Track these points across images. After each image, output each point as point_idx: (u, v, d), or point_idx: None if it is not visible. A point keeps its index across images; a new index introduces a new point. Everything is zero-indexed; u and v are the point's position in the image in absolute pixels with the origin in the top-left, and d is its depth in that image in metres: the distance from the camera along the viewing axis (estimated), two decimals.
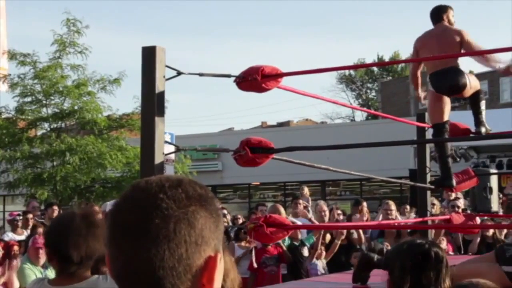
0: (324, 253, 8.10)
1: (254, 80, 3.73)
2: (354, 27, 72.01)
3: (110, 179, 16.51)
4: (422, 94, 6.13)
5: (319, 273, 7.66)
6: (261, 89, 3.81)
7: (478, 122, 5.93)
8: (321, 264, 7.92)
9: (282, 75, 3.86)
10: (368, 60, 44.32)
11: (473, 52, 5.72)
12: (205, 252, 1.15)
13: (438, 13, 5.94)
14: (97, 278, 2.52)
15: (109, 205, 8.76)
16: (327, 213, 8.85)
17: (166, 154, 3.87)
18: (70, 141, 15.49)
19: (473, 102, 5.96)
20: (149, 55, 3.69)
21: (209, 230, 1.16)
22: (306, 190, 11.37)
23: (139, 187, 1.20)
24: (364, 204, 9.68)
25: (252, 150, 3.76)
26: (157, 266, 1.11)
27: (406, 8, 67.27)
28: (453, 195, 9.25)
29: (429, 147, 6.34)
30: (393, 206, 8.50)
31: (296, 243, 7.83)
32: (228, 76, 3.88)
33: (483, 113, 5.95)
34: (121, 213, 1.17)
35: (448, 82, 5.70)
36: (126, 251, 1.13)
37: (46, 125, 16.68)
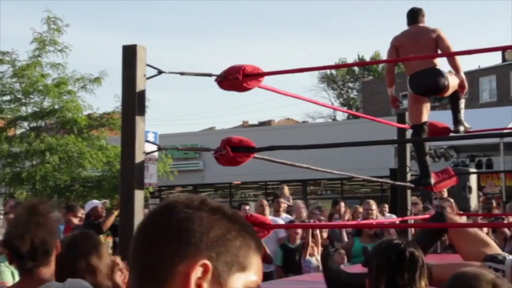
0: (317, 250, 8.11)
1: (235, 79, 3.72)
2: (335, 27, 72.24)
3: (90, 179, 16.41)
4: (394, 92, 6.21)
5: (311, 270, 7.66)
6: (242, 89, 3.81)
7: (457, 121, 6.00)
8: (315, 261, 7.91)
9: (263, 74, 3.86)
10: (349, 60, 44.50)
11: (450, 53, 5.78)
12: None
13: (417, 15, 6.03)
14: (51, 284, 2.31)
15: (89, 204, 8.70)
16: (304, 211, 8.86)
17: (147, 153, 3.86)
18: (49, 140, 15.36)
19: (453, 101, 6.03)
20: (129, 53, 3.67)
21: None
22: (286, 189, 11.40)
23: None
24: (342, 204, 9.73)
25: (233, 149, 3.75)
26: None
27: (386, 8, 67.58)
28: (446, 195, 9.35)
29: (409, 147, 6.39)
30: (373, 205, 8.54)
31: (292, 246, 7.82)
32: (209, 75, 3.87)
33: (462, 112, 6.02)
34: None
35: (427, 83, 5.76)
36: None
37: (25, 124, 16.54)
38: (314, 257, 7.84)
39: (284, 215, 8.85)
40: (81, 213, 8.70)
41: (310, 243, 7.75)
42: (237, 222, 1.19)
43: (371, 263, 2.50)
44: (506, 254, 3.77)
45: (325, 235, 8.16)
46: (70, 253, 2.49)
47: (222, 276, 1.12)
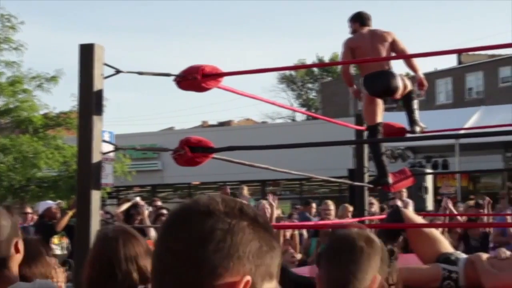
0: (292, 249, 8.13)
1: (194, 79, 3.70)
2: (294, 28, 72.58)
3: (46, 179, 16.16)
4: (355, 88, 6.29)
5: None
6: (201, 89, 3.78)
7: (412, 121, 6.10)
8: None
9: (223, 74, 3.85)
10: (308, 61, 44.73)
11: (408, 55, 5.88)
12: None
13: (368, 19, 6.16)
14: (19, 284, 2.23)
15: (43, 204, 8.56)
16: (269, 211, 8.85)
17: (104, 153, 3.81)
18: (3, 140, 15.08)
19: (406, 102, 6.13)
20: (86, 52, 3.62)
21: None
22: (245, 190, 11.40)
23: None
24: (313, 204, 9.82)
25: (191, 150, 3.73)
26: None
27: (344, 9, 68.21)
28: (404, 195, 9.46)
29: (367, 148, 6.45)
30: (331, 206, 8.60)
31: None
32: (168, 75, 3.84)
33: (416, 112, 6.13)
34: None
35: (381, 85, 5.87)
36: None
37: None
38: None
39: None
40: (29, 211, 8.59)
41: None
42: (269, 231, 1.17)
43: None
44: (459, 253, 3.83)
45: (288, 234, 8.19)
46: None
47: None
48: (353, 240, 2.21)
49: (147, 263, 2.32)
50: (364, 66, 6.00)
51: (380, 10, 61.08)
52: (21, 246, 2.28)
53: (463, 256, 3.75)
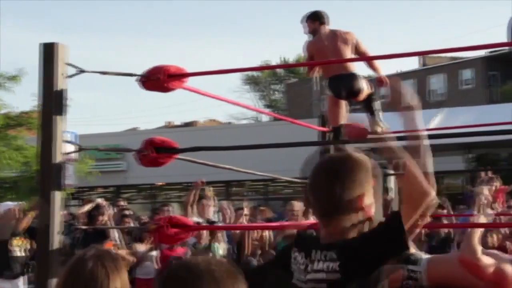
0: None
1: (158, 79, 3.67)
2: (259, 29, 72.70)
3: (6, 179, 15.90)
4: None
5: None
6: (165, 89, 3.76)
7: (374, 121, 6.17)
8: (255, 262, 7.90)
9: (187, 75, 3.83)
10: (273, 62, 44.83)
11: (370, 57, 5.95)
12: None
13: (326, 17, 6.19)
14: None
15: (3, 205, 8.40)
16: (230, 212, 8.83)
17: (66, 154, 3.76)
18: None
19: (367, 104, 6.20)
20: (48, 52, 3.57)
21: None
22: (210, 190, 11.37)
23: None
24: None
25: (155, 150, 3.70)
26: None
27: (307, 10, 68.53)
28: None
29: (332, 148, 6.49)
30: (296, 206, 8.62)
31: (199, 246, 7.79)
32: (132, 75, 3.80)
33: (379, 113, 6.20)
34: None
35: (344, 87, 5.93)
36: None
37: None
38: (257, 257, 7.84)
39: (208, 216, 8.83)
40: None
41: (248, 244, 7.77)
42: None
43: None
44: (419, 254, 3.86)
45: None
46: None
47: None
48: (342, 158, 2.21)
49: None
50: (328, 68, 6.03)
51: (340, 10, 61.51)
52: None
53: (424, 256, 3.78)
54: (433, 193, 2.17)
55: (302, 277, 2.17)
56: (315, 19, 6.20)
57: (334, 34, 6.05)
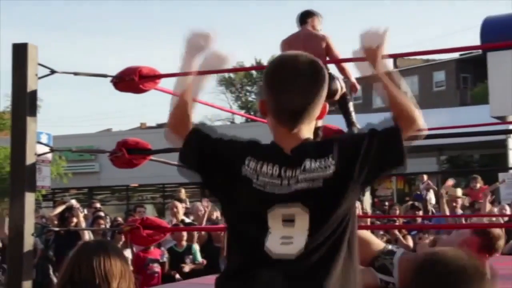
0: None
1: (131, 80, 3.67)
2: (232, 30, 72.73)
3: None
4: None
5: None
6: (138, 90, 3.76)
7: (350, 123, 6.18)
8: None
9: (160, 76, 3.83)
10: (247, 64, 44.84)
11: (340, 60, 5.94)
12: None
13: (304, 17, 6.16)
14: None
15: None
16: (204, 213, 8.81)
17: (39, 155, 3.72)
18: None
19: (342, 104, 6.21)
20: (20, 52, 3.55)
21: None
22: (183, 192, 11.35)
23: None
24: None
25: (129, 151, 3.69)
26: None
27: (283, 12, 68.79)
28: None
29: None
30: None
31: (179, 250, 7.77)
32: (105, 76, 3.79)
33: (353, 114, 6.22)
34: None
35: None
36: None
37: None
38: None
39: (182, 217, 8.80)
40: None
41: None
42: None
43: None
44: (391, 248, 3.90)
45: None
46: None
47: None
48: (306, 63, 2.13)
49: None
50: None
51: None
52: None
53: (398, 253, 3.81)
54: (420, 121, 2.10)
55: (279, 191, 2.02)
56: (297, 20, 6.19)
57: (307, 35, 6.03)
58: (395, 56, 5.54)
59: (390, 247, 3.93)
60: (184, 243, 7.81)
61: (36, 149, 3.62)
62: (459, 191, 9.83)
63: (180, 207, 8.57)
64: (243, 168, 2.07)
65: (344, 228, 2.01)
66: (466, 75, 33.67)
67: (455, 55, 32.30)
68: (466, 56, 30.87)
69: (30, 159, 3.51)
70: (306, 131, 2.11)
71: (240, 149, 2.15)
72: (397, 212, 9.90)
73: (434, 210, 11.02)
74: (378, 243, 3.97)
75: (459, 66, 33.45)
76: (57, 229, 6.31)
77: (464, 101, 31.43)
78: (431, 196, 13.10)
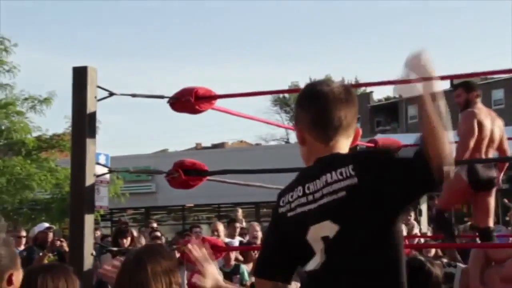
0: None
1: (188, 101, 3.70)
2: (287, 50, 72.92)
3: (38, 201, 16.05)
4: None
5: None
6: (194, 111, 3.79)
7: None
8: None
9: (216, 97, 3.85)
10: (302, 84, 44.90)
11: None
12: None
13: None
14: None
15: (38, 227, 8.48)
16: (259, 234, 8.79)
17: (98, 176, 3.79)
18: None
19: None
20: (79, 75, 3.63)
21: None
22: (240, 212, 11.35)
23: None
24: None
25: (185, 172, 3.72)
26: None
27: (336, 33, 68.72)
28: (411, 219, 9.41)
29: None
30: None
31: (227, 270, 7.76)
32: (161, 97, 3.84)
33: None
34: None
35: None
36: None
37: None
38: None
39: (237, 238, 8.81)
40: (23, 235, 8.52)
41: None
42: None
43: None
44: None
45: None
46: None
47: None
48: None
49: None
50: None
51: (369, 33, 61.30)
52: (16, 278, 2.17)
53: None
54: (446, 154, 1.91)
55: (307, 207, 2.04)
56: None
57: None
58: (451, 78, 5.44)
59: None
60: (233, 263, 7.79)
61: (95, 170, 3.69)
62: None
63: (221, 228, 8.57)
64: (279, 209, 2.17)
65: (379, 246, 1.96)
66: None
67: None
68: None
69: (89, 180, 3.58)
70: (343, 146, 2.11)
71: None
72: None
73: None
74: None
75: None
76: (115, 249, 6.38)
77: None
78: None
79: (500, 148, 5.92)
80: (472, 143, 5.65)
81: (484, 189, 5.60)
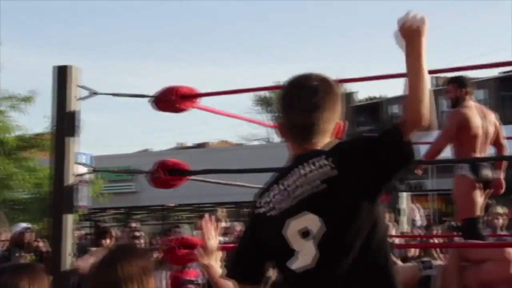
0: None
1: (170, 100, 3.69)
2: (269, 50, 72.99)
3: (18, 201, 15.92)
4: None
5: None
6: (177, 110, 3.77)
7: None
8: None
9: (198, 95, 3.84)
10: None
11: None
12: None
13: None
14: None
15: (17, 227, 8.39)
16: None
17: (78, 175, 3.76)
18: None
19: None
20: (61, 74, 3.60)
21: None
22: (220, 212, 11.34)
23: None
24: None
25: (167, 172, 3.70)
26: None
27: (320, 33, 68.91)
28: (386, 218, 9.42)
29: None
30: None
31: None
32: (143, 96, 3.82)
33: None
34: None
35: None
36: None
37: None
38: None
39: (219, 237, 8.82)
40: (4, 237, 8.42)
41: None
42: None
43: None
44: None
45: None
46: None
47: None
48: (310, 81, 2.12)
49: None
50: None
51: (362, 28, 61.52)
52: None
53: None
54: (426, 118, 1.93)
55: (284, 203, 2.02)
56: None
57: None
58: (434, 73, 5.46)
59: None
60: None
61: (76, 169, 3.66)
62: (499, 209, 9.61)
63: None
64: (256, 211, 2.12)
65: (368, 235, 1.95)
66: (507, 93, 33.19)
67: (495, 73, 31.84)
68: (507, 74, 30.43)
69: (69, 180, 3.55)
70: (321, 145, 2.09)
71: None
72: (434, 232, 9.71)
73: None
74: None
75: (500, 84, 32.99)
76: (94, 248, 6.36)
77: (506, 120, 30.91)
78: None
79: (497, 143, 5.81)
80: (445, 144, 5.63)
81: (482, 189, 5.59)
